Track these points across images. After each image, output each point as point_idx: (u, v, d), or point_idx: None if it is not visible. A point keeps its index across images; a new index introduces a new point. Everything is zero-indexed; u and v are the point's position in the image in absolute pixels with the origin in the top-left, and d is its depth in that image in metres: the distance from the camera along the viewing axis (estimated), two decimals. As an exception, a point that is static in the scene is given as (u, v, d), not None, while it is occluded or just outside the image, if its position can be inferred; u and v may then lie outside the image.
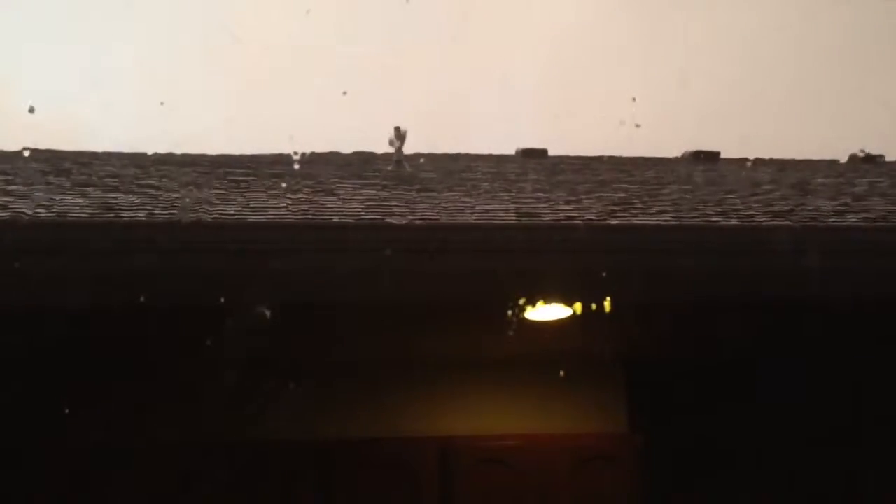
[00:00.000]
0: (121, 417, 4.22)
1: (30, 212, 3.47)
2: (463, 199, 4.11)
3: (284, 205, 3.84)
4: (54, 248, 3.28)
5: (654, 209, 4.03)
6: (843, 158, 6.00)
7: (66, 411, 4.14)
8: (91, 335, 3.94)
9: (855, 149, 6.01)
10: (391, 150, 5.10)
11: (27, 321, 3.59)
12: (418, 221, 3.63)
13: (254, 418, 4.33)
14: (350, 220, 3.60)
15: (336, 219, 3.60)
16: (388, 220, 3.64)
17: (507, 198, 4.20)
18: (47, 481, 4.06)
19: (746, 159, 5.79)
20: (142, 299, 3.35)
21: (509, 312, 3.87)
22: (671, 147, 5.63)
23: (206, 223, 3.49)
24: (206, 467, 4.13)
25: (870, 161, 5.95)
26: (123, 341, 4.04)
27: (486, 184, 4.61)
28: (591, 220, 3.79)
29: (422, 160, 5.24)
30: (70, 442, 4.13)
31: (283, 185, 4.35)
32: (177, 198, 3.91)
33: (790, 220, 3.92)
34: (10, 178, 4.26)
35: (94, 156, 5.15)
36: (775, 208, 4.18)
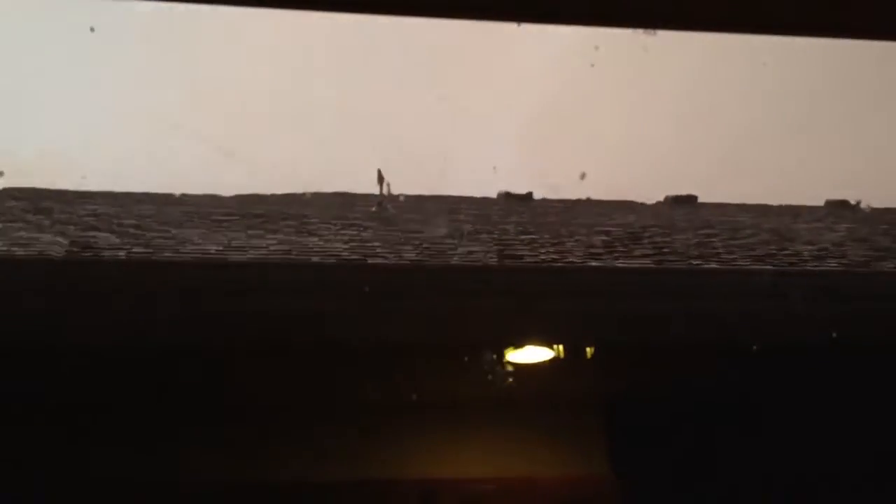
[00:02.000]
0: (109, 456, 4.16)
1: (5, 249, 3.45)
2: (446, 241, 4.11)
3: (266, 245, 3.83)
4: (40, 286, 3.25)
5: (636, 252, 4.05)
6: (821, 204, 6.07)
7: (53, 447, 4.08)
8: (81, 373, 3.89)
9: (832, 195, 6.08)
10: (374, 191, 5.11)
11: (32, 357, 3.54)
12: (401, 262, 3.63)
13: (233, 460, 4.27)
14: (332, 260, 3.59)
15: (318, 259, 3.60)
16: (371, 260, 3.64)
17: (489, 240, 4.21)
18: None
19: (726, 204, 5.84)
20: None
21: (492, 354, 3.85)
22: (653, 191, 5.68)
23: (187, 262, 3.48)
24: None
25: (847, 207, 6.03)
26: (112, 379, 3.99)
27: (468, 225, 4.62)
28: (573, 262, 3.80)
29: (404, 201, 5.25)
30: (58, 477, 4.06)
31: (266, 225, 4.34)
32: (158, 238, 3.89)
33: (770, 265, 3.95)
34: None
35: (74, 194, 5.13)
36: (756, 252, 4.21)
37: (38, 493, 4.01)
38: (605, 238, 4.38)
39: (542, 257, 3.84)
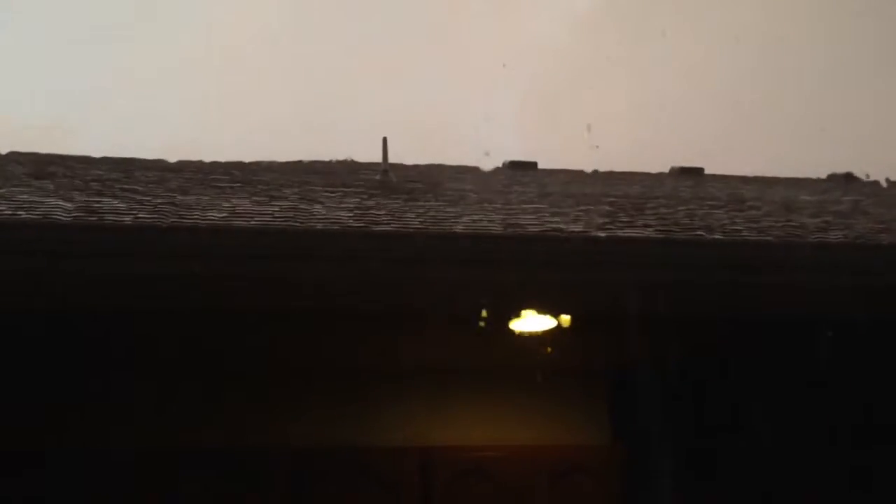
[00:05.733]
0: (99, 423, 4.18)
1: (10, 212, 3.45)
2: (449, 209, 4.11)
3: (270, 212, 3.84)
4: (46, 249, 3.26)
5: (640, 223, 4.04)
6: (825, 177, 6.07)
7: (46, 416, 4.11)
8: (73, 338, 3.91)
9: (837, 167, 6.08)
10: (378, 159, 5.10)
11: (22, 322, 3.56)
12: (404, 230, 3.63)
13: (231, 425, 4.30)
14: (336, 227, 3.60)
15: (322, 226, 3.60)
16: (375, 228, 3.64)
17: (493, 209, 4.20)
18: (30, 488, 4.01)
19: (731, 176, 5.83)
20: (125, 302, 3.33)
21: (493, 323, 3.86)
22: (658, 162, 5.68)
23: (188, 227, 3.48)
24: (182, 474, 4.10)
25: (852, 180, 6.02)
26: (110, 341, 4.01)
27: (473, 194, 4.61)
28: (577, 232, 3.80)
29: (409, 170, 5.25)
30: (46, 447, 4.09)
31: (270, 192, 4.34)
32: (163, 204, 3.89)
33: (774, 236, 3.95)
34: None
35: (79, 159, 5.13)
36: (759, 224, 4.21)
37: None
38: (609, 208, 4.37)
39: (546, 226, 3.84)
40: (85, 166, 4.96)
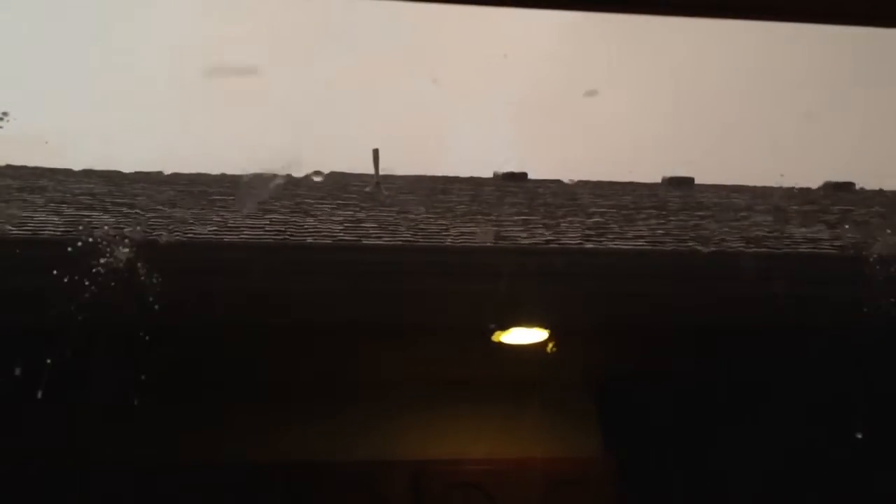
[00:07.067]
0: (85, 439, 4.16)
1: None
2: (440, 222, 4.11)
3: (261, 225, 3.83)
4: (27, 264, 3.25)
5: (630, 234, 4.05)
6: (816, 186, 6.08)
7: (28, 432, 4.09)
8: (60, 353, 3.90)
9: (828, 177, 6.09)
10: (369, 171, 5.09)
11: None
12: (395, 243, 3.63)
13: (222, 440, 4.29)
14: (327, 240, 3.60)
15: (313, 240, 3.60)
16: (365, 241, 3.64)
17: (484, 221, 4.21)
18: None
19: (722, 186, 5.84)
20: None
21: (484, 335, 3.86)
22: (648, 172, 5.69)
23: (182, 242, 3.48)
24: (172, 489, 4.08)
25: (843, 189, 6.03)
26: (89, 361, 4.00)
27: (463, 206, 4.62)
28: (567, 244, 3.81)
29: (399, 182, 5.25)
30: (28, 465, 4.07)
31: (261, 205, 4.34)
32: (153, 218, 3.89)
33: (765, 247, 3.96)
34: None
35: (69, 173, 5.12)
36: (750, 235, 4.21)
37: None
38: (599, 220, 4.38)
39: (536, 238, 3.84)
40: (75, 180, 4.95)
